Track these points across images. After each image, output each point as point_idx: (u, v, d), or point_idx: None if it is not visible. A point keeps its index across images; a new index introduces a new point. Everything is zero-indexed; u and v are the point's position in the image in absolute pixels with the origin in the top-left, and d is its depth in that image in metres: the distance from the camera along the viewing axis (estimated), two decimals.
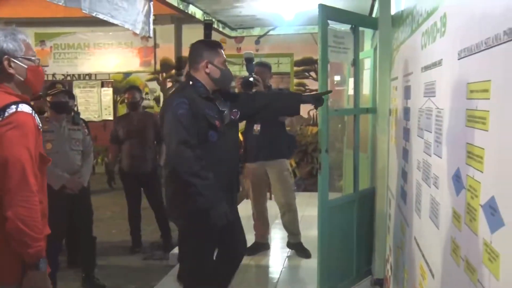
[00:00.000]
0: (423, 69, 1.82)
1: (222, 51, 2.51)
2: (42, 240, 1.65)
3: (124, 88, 6.38)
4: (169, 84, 8.75)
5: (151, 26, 3.87)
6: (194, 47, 2.52)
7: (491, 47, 1.01)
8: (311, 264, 3.82)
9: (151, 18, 3.85)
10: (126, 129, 4.53)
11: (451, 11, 1.41)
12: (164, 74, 8.81)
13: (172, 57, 8.32)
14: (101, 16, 3.06)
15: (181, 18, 7.28)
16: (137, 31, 3.70)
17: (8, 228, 1.57)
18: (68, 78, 8.98)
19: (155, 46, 8.72)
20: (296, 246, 4.22)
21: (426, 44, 1.77)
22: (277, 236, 4.62)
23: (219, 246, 2.72)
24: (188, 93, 2.40)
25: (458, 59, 1.28)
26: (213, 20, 5.87)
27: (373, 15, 4.52)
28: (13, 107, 1.59)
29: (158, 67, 8.81)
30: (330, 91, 2.85)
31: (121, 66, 8.88)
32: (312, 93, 3.34)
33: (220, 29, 6.36)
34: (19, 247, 1.60)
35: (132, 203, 4.65)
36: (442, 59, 1.50)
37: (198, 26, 5.80)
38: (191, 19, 5.35)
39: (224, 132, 2.45)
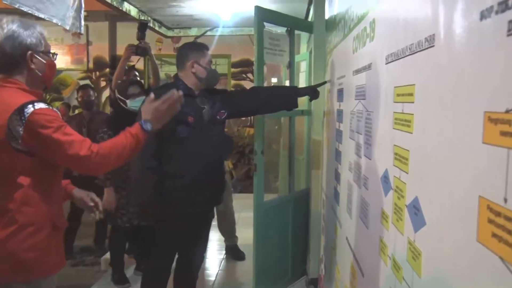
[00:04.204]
0: (355, 72, 1.86)
1: (208, 52, 2.62)
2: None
3: (51, 85, 6.04)
4: (103, 83, 8.44)
5: (82, 22, 3.68)
6: (181, 49, 2.67)
7: (415, 52, 1.05)
8: (247, 266, 3.82)
9: (82, 13, 3.67)
10: (77, 130, 4.32)
11: (380, 17, 1.45)
12: (97, 73, 8.49)
13: (106, 55, 8.04)
14: (25, 9, 2.85)
15: (115, 16, 7.05)
16: (67, 27, 3.50)
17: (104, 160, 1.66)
18: None
19: (88, 43, 8.39)
20: (231, 249, 4.21)
21: (357, 48, 1.82)
22: (214, 238, 4.58)
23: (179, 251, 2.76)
24: (161, 91, 2.52)
25: (386, 64, 1.32)
26: (149, 19, 5.72)
27: (309, 19, 4.61)
28: (30, 106, 1.58)
29: (91, 65, 8.48)
30: (325, 82, 2.92)
31: None
32: (309, 85, 3.38)
33: (157, 28, 6.23)
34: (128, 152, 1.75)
35: (76, 208, 4.42)
36: (371, 63, 1.54)
37: (134, 24, 5.62)
38: (126, 16, 5.19)
39: (202, 128, 2.52)
